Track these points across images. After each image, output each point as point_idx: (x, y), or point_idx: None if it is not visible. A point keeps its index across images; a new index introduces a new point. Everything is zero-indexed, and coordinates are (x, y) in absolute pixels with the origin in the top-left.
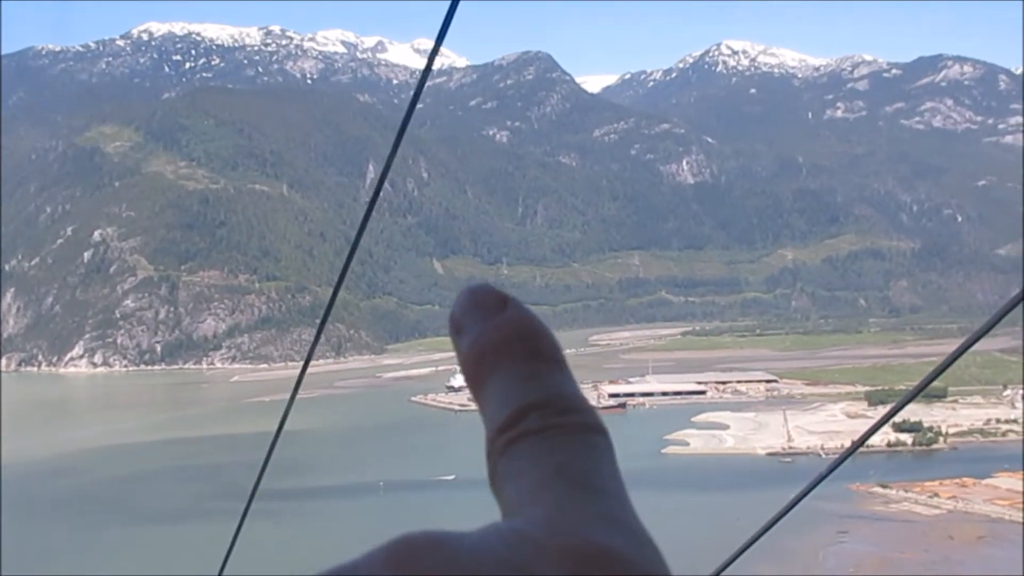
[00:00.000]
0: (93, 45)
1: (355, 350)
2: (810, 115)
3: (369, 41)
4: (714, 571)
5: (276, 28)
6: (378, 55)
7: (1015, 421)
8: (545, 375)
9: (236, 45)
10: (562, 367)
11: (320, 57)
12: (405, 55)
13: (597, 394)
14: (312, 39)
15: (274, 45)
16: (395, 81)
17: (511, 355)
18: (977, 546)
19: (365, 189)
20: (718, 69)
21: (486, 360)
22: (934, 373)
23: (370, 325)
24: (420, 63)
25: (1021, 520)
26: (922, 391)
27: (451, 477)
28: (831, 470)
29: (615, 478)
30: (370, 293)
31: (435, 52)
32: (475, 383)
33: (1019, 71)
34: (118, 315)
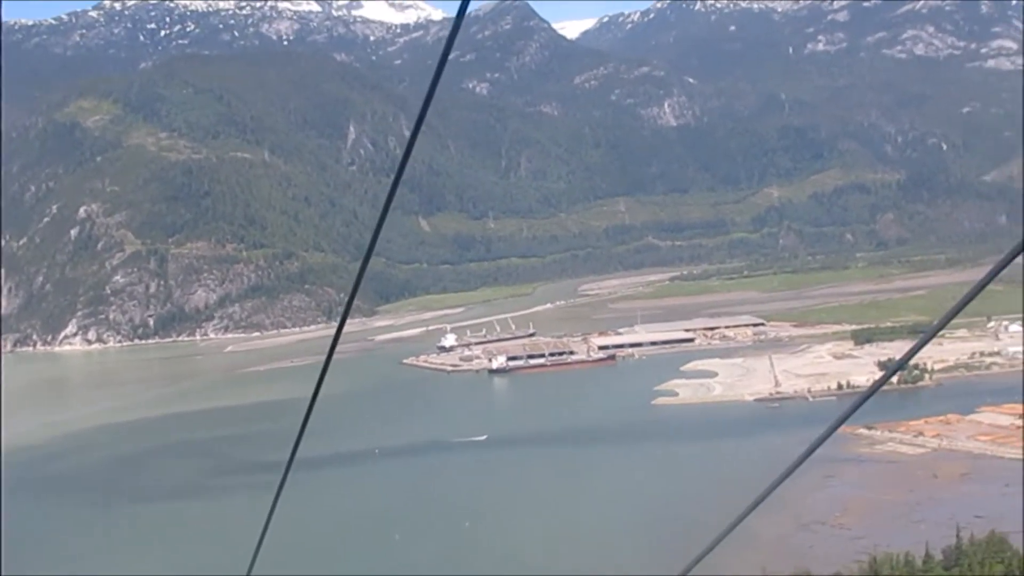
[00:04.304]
0: (66, 17)
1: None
2: (791, 50)
3: None
4: (731, 523)
5: None
6: (353, 12)
7: (998, 353)
8: None
9: (210, 10)
10: None
11: (295, 17)
12: (380, 10)
13: (587, 347)
14: None
15: (248, 8)
16: (372, 38)
17: None
18: (960, 483)
19: (347, 150)
20: (696, 8)
21: None
22: (960, 304)
23: (359, 287)
24: (396, 17)
25: (1003, 455)
26: (943, 327)
27: (483, 438)
28: (846, 416)
29: None
30: (357, 255)
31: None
32: None
33: None
34: (109, 291)
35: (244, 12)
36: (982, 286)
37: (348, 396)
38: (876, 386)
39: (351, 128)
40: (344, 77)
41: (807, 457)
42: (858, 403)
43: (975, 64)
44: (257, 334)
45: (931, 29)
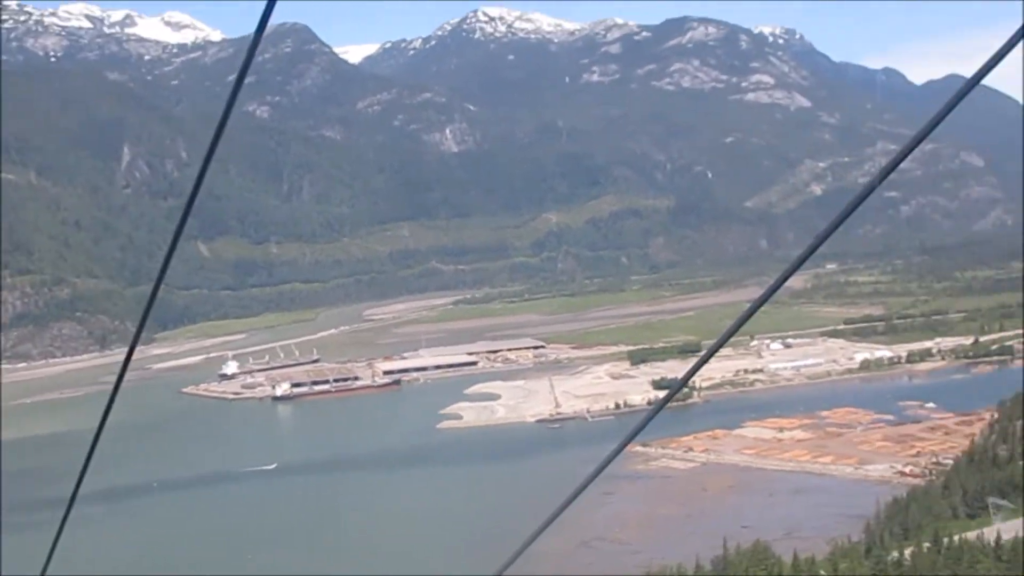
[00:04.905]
0: None
1: (121, 341)
2: (567, 79)
3: (116, 15)
4: (524, 542)
5: (12, 3)
6: (126, 30)
7: (761, 371)
8: None
9: None
10: None
11: (64, 33)
12: (155, 29)
13: (372, 372)
14: (53, 14)
15: (11, 21)
16: (147, 57)
17: None
18: (728, 495)
19: (121, 172)
20: (476, 36)
21: None
22: (737, 323)
23: (135, 314)
24: (172, 37)
25: (765, 467)
26: (725, 342)
27: (272, 466)
28: (634, 435)
29: None
30: (133, 281)
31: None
32: None
33: (758, 31)
34: None
35: (7, 25)
36: (756, 307)
37: (124, 428)
38: (660, 405)
39: (125, 149)
40: (118, 96)
41: (596, 476)
42: (644, 422)
43: (736, 97)
44: (24, 365)
45: (696, 63)
